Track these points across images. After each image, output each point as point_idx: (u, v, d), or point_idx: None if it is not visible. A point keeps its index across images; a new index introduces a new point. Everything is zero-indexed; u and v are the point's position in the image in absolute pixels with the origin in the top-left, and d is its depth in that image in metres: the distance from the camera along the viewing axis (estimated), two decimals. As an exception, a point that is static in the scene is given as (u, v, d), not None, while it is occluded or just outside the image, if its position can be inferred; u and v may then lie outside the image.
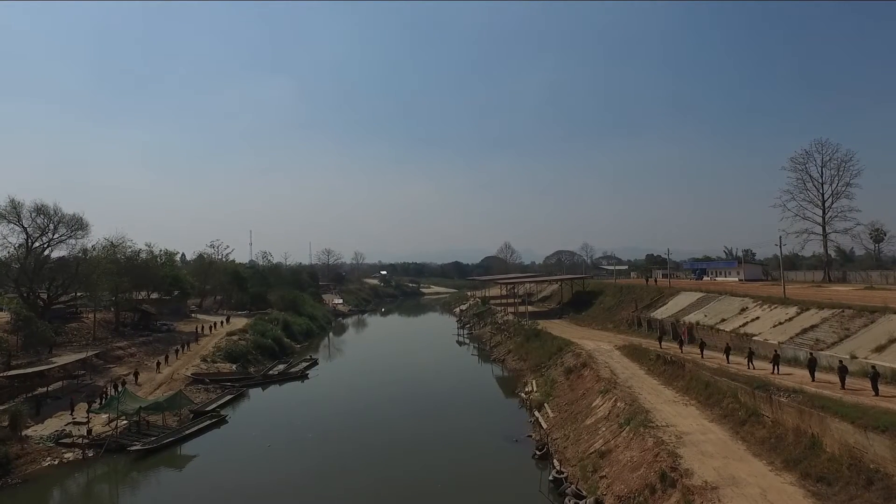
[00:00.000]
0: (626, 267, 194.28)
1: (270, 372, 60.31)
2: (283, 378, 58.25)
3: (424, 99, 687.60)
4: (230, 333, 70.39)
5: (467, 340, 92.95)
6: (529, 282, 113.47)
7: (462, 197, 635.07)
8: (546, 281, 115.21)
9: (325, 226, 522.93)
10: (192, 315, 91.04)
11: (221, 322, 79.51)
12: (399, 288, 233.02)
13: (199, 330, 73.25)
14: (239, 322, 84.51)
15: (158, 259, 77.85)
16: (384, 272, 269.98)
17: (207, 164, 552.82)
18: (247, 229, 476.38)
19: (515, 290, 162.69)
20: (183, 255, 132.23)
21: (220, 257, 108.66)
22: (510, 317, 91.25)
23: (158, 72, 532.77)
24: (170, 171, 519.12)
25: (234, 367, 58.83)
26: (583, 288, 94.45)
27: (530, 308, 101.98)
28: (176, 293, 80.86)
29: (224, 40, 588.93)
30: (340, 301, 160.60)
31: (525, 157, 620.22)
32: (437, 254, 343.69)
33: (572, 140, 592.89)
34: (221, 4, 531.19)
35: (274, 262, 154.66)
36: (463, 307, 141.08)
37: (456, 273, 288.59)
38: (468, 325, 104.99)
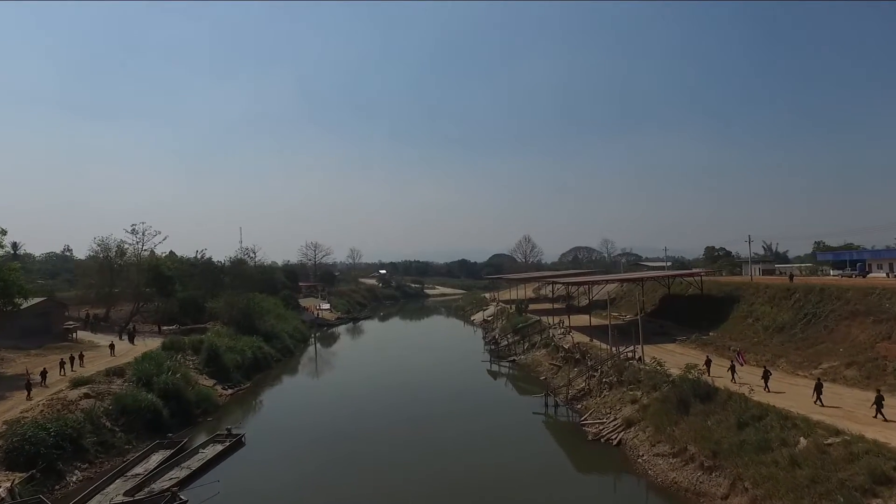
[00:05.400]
0: (669, 264, 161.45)
1: (110, 488, 26.08)
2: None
3: (426, 96, 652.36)
4: (77, 383, 36.20)
5: (503, 368, 59.73)
6: (590, 281, 79.18)
7: (465, 195, 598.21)
8: (609, 281, 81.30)
9: (323, 226, 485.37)
10: (72, 336, 57.19)
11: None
12: (400, 289, 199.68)
13: (70, 362, 41.77)
14: (142, 348, 51.12)
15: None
16: (383, 271, 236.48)
17: (208, 164, 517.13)
18: (255, 231, 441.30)
19: (543, 293, 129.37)
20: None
21: (142, 248, 74.15)
22: (573, 334, 57.60)
23: (157, 69, 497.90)
24: (172, 171, 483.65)
25: (11, 483, 24.71)
26: (699, 290, 60.00)
27: (595, 320, 68.12)
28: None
29: (224, 36, 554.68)
30: (327, 306, 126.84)
31: (529, 154, 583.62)
32: (438, 253, 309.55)
33: (578, 137, 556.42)
34: (228, 4, 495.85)
35: (259, 259, 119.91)
36: (486, 314, 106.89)
37: (463, 272, 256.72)
38: (503, 343, 71.09)
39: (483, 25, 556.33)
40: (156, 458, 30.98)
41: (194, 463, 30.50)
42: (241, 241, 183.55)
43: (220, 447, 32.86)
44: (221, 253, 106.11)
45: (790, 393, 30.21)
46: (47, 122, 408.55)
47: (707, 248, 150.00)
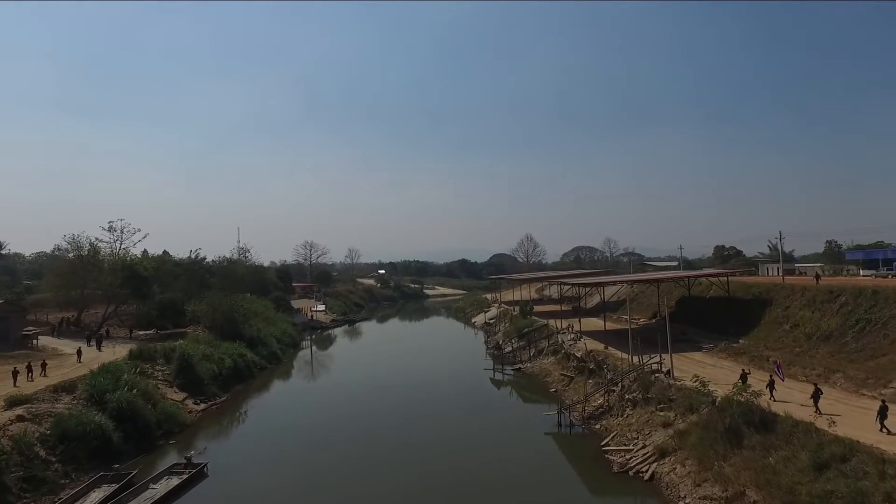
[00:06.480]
0: (675, 264, 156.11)
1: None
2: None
3: (426, 96, 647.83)
4: (12, 403, 30.95)
5: (507, 376, 54.71)
6: (602, 282, 74.06)
7: (465, 195, 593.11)
8: (624, 281, 76.15)
9: (323, 226, 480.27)
10: (32, 343, 51.99)
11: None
12: (399, 289, 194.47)
13: (28, 371, 37.53)
14: (109, 355, 46.01)
15: None
16: (382, 271, 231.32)
17: (209, 164, 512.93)
18: (256, 231, 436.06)
19: (546, 293, 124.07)
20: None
21: (120, 246, 68.91)
22: (585, 340, 52.42)
23: (157, 69, 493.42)
24: (172, 171, 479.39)
25: None
26: (725, 291, 54.57)
27: (610, 324, 63.24)
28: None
29: (224, 36, 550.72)
30: (322, 308, 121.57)
31: (529, 154, 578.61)
32: (438, 253, 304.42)
33: (578, 137, 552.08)
34: (228, 4, 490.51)
35: (253, 259, 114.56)
36: (488, 316, 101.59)
37: (463, 272, 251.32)
38: (507, 349, 65.89)
39: (483, 25, 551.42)
40: (95, 497, 25.73)
41: (142, 502, 25.29)
42: (238, 241, 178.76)
43: (175, 481, 27.59)
44: (220, 253, 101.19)
45: (847, 417, 25.02)
46: (47, 122, 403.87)
47: (716, 247, 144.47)
